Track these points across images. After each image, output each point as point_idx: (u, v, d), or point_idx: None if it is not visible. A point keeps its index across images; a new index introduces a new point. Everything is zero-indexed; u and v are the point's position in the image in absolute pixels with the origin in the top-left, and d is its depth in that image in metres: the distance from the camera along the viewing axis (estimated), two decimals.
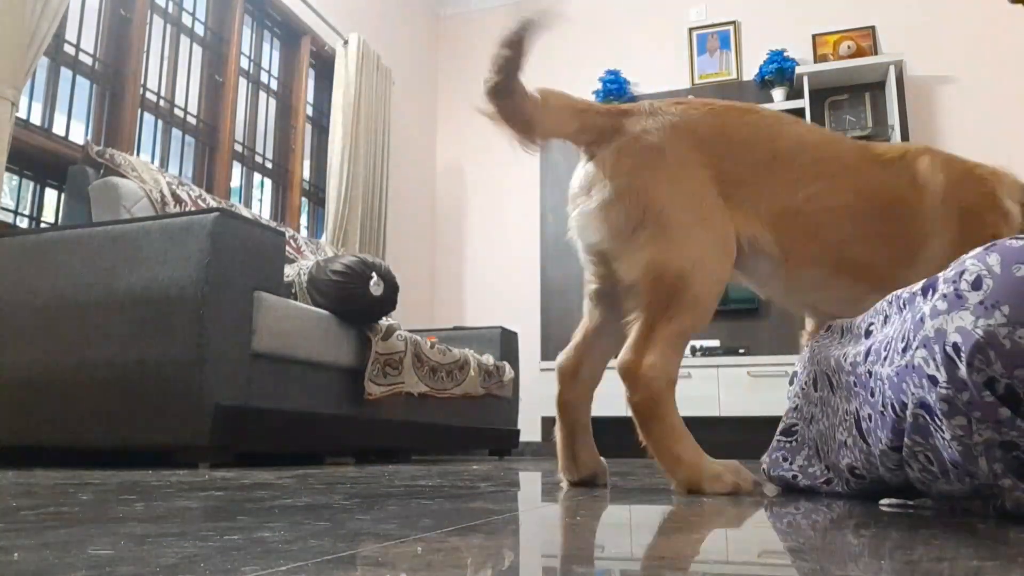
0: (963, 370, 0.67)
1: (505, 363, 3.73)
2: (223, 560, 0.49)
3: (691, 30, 5.04)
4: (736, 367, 4.15)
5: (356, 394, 2.59)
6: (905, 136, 4.43)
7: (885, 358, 0.82)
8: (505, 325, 4.82)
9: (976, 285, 0.68)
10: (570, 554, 0.60)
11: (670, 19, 5.13)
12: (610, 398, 4.46)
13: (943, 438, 0.72)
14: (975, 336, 0.66)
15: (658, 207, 1.22)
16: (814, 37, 4.69)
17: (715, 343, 4.38)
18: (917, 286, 0.79)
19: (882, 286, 1.27)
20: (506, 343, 3.90)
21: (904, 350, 0.76)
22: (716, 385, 4.15)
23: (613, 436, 4.64)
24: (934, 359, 0.70)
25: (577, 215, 1.31)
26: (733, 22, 4.95)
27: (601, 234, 1.26)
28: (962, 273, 0.70)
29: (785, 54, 4.60)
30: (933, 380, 0.71)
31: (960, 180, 1.34)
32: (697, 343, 4.38)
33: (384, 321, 2.77)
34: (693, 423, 4.72)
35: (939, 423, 0.71)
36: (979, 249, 0.71)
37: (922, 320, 0.73)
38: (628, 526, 0.79)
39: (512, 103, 1.32)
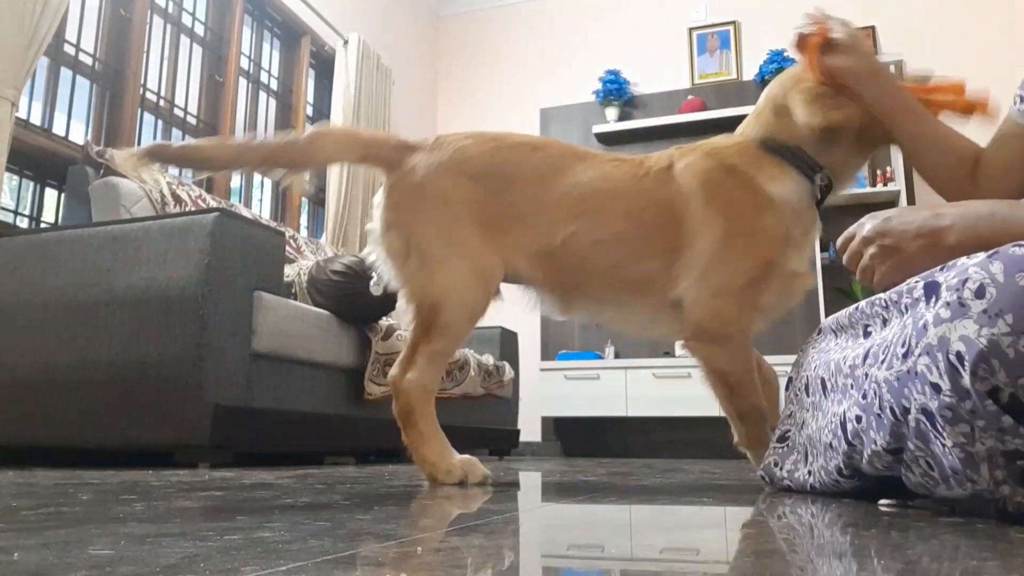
0: (966, 379, 0.67)
1: (505, 363, 3.73)
2: (223, 560, 0.49)
3: (691, 30, 5.04)
4: None
5: (356, 394, 2.59)
6: None
7: (883, 361, 0.82)
8: (505, 325, 4.82)
9: (979, 294, 0.68)
10: (570, 554, 0.60)
11: (670, 19, 5.13)
12: (612, 399, 4.46)
13: (943, 445, 0.72)
14: (979, 345, 0.66)
15: (417, 241, 1.37)
16: None
17: None
18: (919, 289, 0.79)
19: (666, 298, 1.39)
20: (506, 343, 3.90)
21: (905, 355, 0.76)
22: None
23: (616, 436, 4.65)
24: (937, 367, 0.70)
25: (368, 232, 1.47)
26: (733, 22, 4.95)
27: (380, 257, 1.43)
28: (965, 281, 0.70)
29: (785, 54, 4.59)
30: (936, 388, 0.71)
31: (717, 179, 1.39)
32: None
33: (384, 321, 2.77)
34: (692, 423, 4.65)
35: (940, 430, 0.72)
36: (982, 256, 0.71)
37: (925, 327, 0.73)
38: (628, 526, 0.79)
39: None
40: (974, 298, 0.68)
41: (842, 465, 0.96)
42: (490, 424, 3.54)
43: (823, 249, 4.38)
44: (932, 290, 0.75)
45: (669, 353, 4.49)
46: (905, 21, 4.59)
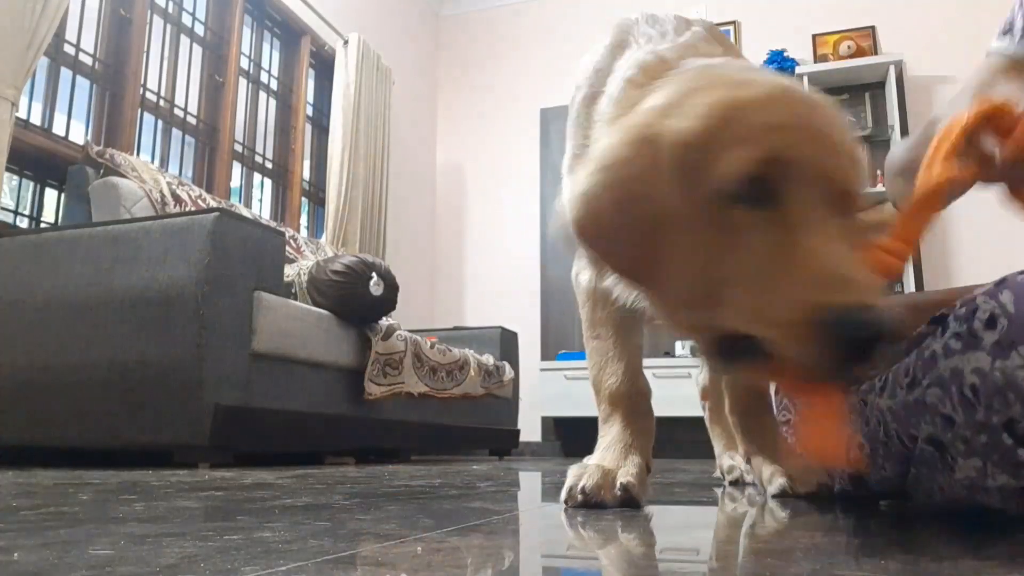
0: (982, 413, 0.65)
1: (505, 363, 3.73)
2: (223, 560, 0.49)
3: None
4: None
5: (356, 394, 2.59)
6: (905, 136, 4.43)
7: (882, 388, 0.81)
8: (505, 325, 4.82)
9: (990, 324, 0.66)
10: (570, 554, 0.60)
11: None
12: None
13: (951, 476, 0.71)
14: (993, 378, 0.64)
15: None
16: (814, 37, 4.68)
17: None
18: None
19: None
20: (506, 343, 3.89)
21: (911, 385, 0.74)
22: None
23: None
24: (950, 400, 0.69)
25: None
26: (733, 22, 4.95)
27: None
28: (975, 311, 0.68)
29: (785, 54, 4.59)
30: (948, 420, 0.69)
31: None
32: None
33: (384, 321, 2.77)
34: (693, 423, 4.65)
35: (950, 461, 0.70)
36: (990, 285, 0.69)
37: (933, 358, 0.71)
38: (628, 526, 0.79)
39: None
40: (985, 329, 0.66)
41: (848, 483, 0.96)
42: (490, 424, 3.54)
43: None
44: (938, 321, 0.73)
45: (669, 353, 4.49)
46: (905, 21, 4.59)
